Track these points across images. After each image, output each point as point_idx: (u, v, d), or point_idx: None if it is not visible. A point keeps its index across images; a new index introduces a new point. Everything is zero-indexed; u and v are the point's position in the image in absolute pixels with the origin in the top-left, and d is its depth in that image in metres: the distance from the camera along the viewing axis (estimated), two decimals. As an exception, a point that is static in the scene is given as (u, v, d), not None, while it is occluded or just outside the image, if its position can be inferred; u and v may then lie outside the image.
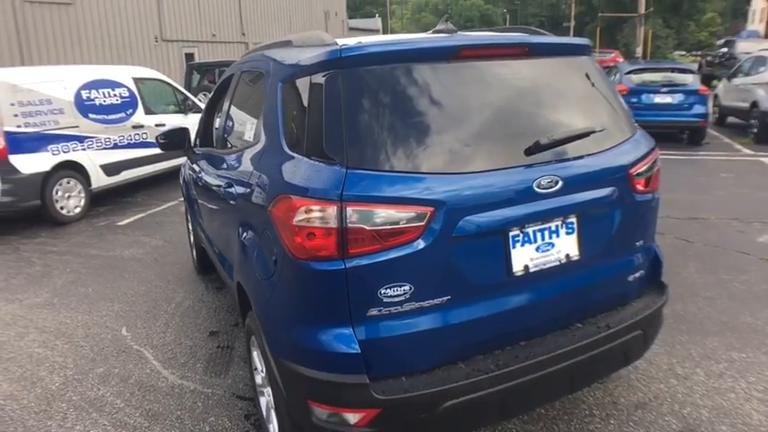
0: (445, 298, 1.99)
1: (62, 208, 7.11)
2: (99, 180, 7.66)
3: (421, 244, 1.91)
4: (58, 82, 7.20)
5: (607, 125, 2.41)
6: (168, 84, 9.25)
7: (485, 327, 2.10)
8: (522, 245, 2.11)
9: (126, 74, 8.34)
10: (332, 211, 1.85)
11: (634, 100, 10.47)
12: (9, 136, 6.48)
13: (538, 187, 2.08)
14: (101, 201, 8.04)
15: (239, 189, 2.58)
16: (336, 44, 2.16)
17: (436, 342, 2.02)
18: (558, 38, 2.62)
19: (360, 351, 1.92)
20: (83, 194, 7.40)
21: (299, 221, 1.91)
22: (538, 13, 64.17)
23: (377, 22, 51.91)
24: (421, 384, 1.96)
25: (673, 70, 11.16)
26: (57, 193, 7.03)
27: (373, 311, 1.92)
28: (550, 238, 2.17)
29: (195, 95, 10.76)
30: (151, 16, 21.47)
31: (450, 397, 1.96)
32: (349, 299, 1.90)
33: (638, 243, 2.51)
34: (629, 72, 11.00)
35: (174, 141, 4.15)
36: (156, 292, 4.86)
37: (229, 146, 3.19)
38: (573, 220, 2.22)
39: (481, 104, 2.16)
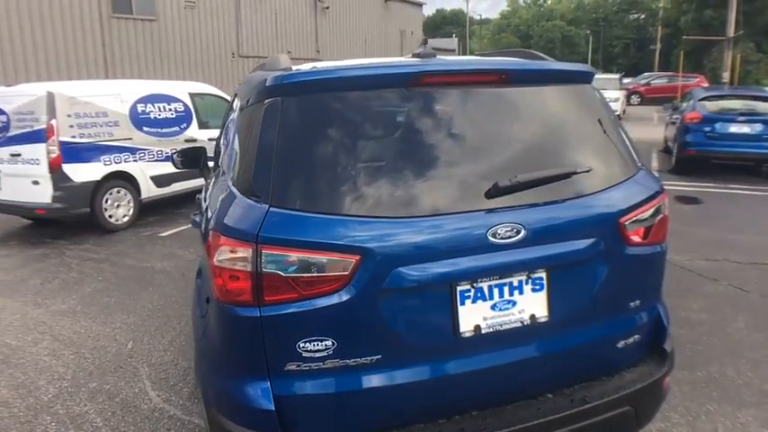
0: (375, 357, 1.78)
1: (110, 216, 7.40)
2: (149, 191, 7.93)
3: (345, 296, 1.72)
4: (115, 96, 7.54)
5: (598, 165, 2.11)
6: (224, 99, 9.50)
7: (426, 392, 1.86)
8: (474, 301, 1.85)
9: (182, 89, 8.64)
10: (247, 252, 1.71)
11: (707, 129, 9.72)
12: (64, 146, 6.82)
13: (493, 237, 1.82)
14: (152, 211, 8.31)
15: (203, 219, 2.49)
16: (290, 69, 2.03)
17: (365, 406, 1.81)
18: (552, 63, 2.36)
19: (274, 408, 1.75)
20: (132, 204, 7.67)
21: (220, 261, 1.78)
22: (623, 35, 61.87)
23: (453, 42, 51.84)
24: None
25: (754, 98, 10.27)
26: (106, 201, 7.32)
27: (291, 366, 1.75)
28: (511, 295, 1.90)
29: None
30: (229, 33, 22.43)
31: None
32: (266, 350, 1.74)
33: (632, 304, 2.16)
34: (704, 98, 10.22)
35: (189, 160, 4.14)
36: (173, 307, 4.89)
37: (214, 172, 3.13)
38: (542, 275, 1.93)
39: (440, 139, 1.95)
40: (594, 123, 2.21)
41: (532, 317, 1.93)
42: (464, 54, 60.77)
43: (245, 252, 1.71)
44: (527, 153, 2.05)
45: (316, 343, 1.73)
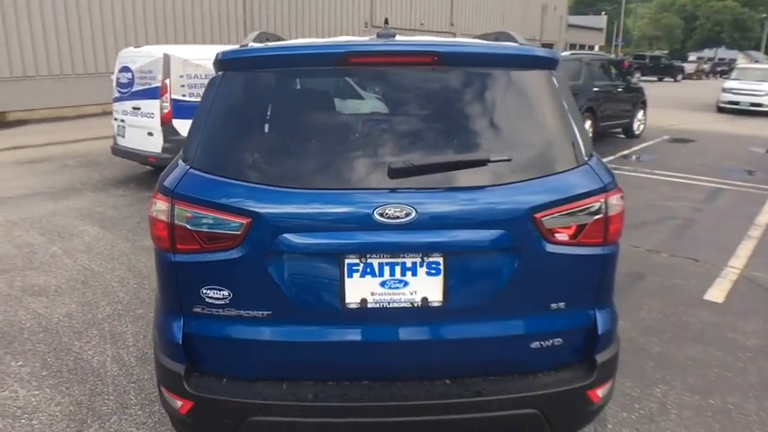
0: (265, 312, 1.98)
1: (211, 169, 8.20)
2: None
3: (237, 253, 1.93)
4: (225, 60, 8.25)
5: (526, 155, 2.05)
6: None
7: (314, 354, 2.03)
8: (363, 276, 1.96)
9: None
10: (166, 206, 1.99)
11: None
12: (175, 103, 7.66)
13: (380, 216, 1.89)
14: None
15: None
16: (246, 45, 2.26)
17: (257, 354, 2.03)
18: (503, 47, 2.28)
19: (181, 342, 2.03)
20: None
21: (153, 212, 2.08)
22: (810, 19, 53.77)
23: (601, 20, 48.42)
24: (235, 391, 2.00)
25: None
26: (208, 155, 8.12)
27: (198, 309, 2.02)
28: (403, 275, 1.97)
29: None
30: (364, 2, 23.01)
31: (255, 412, 1.97)
32: (179, 292, 2.03)
33: (553, 305, 2.10)
34: None
35: None
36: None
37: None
38: (438, 260, 1.97)
39: (355, 119, 2.07)
40: (537, 112, 2.13)
41: (425, 300, 1.98)
42: (617, 34, 56.40)
43: (166, 206, 2.00)
44: (445, 137, 2.05)
45: (215, 291, 1.98)
